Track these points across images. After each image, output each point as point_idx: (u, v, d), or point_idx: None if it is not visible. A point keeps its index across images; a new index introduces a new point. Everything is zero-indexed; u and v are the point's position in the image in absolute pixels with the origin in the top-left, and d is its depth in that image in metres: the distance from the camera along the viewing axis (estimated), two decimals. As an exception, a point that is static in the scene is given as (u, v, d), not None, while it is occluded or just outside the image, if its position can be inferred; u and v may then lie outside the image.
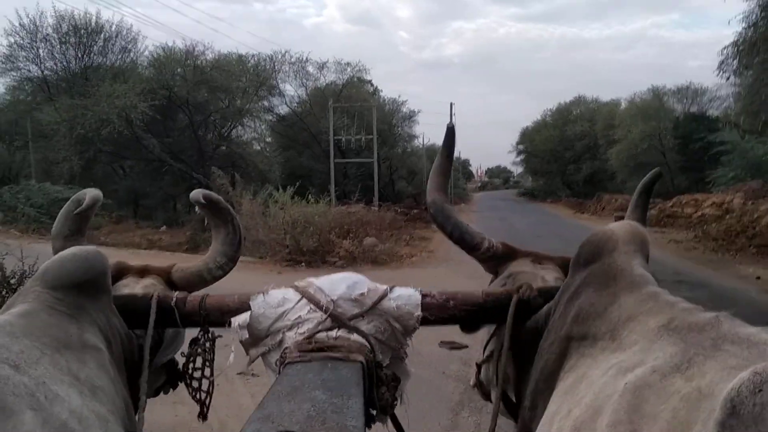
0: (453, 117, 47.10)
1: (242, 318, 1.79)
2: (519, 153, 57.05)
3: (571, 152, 45.94)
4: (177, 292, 1.89)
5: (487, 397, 2.13)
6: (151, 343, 1.72)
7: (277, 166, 29.24)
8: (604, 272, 1.42)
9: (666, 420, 0.94)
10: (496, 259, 2.00)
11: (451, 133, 2.14)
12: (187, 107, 25.78)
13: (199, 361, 1.94)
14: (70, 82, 28.06)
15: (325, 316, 1.75)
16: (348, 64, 34.47)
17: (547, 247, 2.02)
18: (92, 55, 28.98)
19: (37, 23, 27.82)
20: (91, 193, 1.99)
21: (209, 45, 31.52)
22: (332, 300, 1.78)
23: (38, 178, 26.84)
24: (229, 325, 1.80)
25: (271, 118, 34.01)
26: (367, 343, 1.73)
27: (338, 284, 1.83)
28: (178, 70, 25.49)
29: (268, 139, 35.09)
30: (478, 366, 2.10)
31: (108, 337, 1.55)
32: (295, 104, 35.05)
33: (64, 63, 28.82)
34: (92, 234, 22.15)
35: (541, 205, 41.72)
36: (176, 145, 26.79)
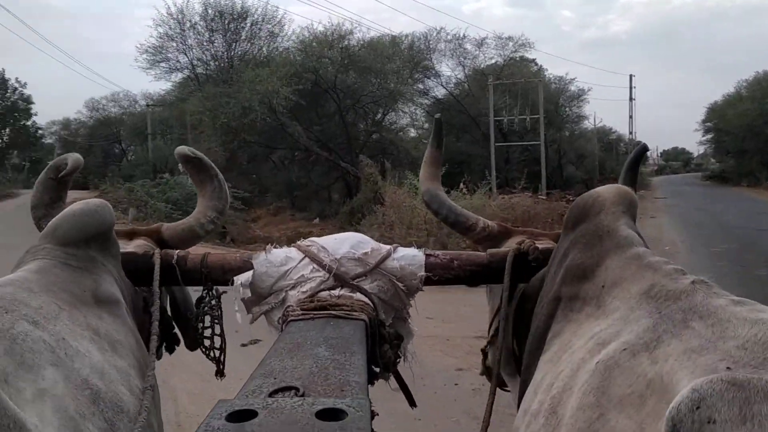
0: (633, 90, 42.04)
1: (245, 276, 1.81)
2: (706, 131, 50.57)
3: (775, 127, 39.46)
4: (178, 250, 1.90)
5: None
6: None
7: (432, 152, 27.02)
8: (591, 232, 1.45)
9: (633, 406, 0.98)
10: (491, 239, 2.02)
11: (439, 123, 2.25)
12: (335, 91, 24.12)
13: (207, 320, 1.95)
14: (218, 70, 27.73)
15: (328, 276, 1.78)
16: (510, 38, 31.48)
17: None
18: (239, 41, 28.45)
19: (185, 11, 27.79)
20: (72, 158, 1.93)
21: (356, 23, 30.29)
22: (336, 259, 1.80)
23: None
24: (232, 283, 1.83)
25: (426, 101, 31.94)
26: (369, 302, 1.75)
27: (342, 243, 1.86)
28: (327, 51, 23.86)
29: (426, 126, 33.18)
30: (484, 352, 2.11)
31: (121, 287, 1.57)
32: (452, 85, 32.85)
33: (212, 51, 28.51)
34: (249, 226, 21.56)
35: (737, 190, 35.91)
36: (325, 133, 25.40)
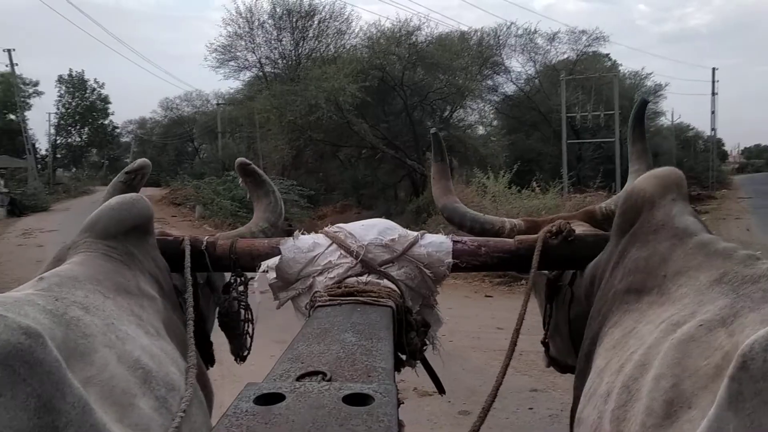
0: (716, 84, 39.84)
1: (272, 262, 1.83)
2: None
3: None
4: (207, 236, 1.96)
5: (564, 369, 2.13)
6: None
7: (501, 150, 26.37)
8: (645, 231, 1.45)
9: (708, 376, 0.97)
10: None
11: (437, 138, 2.24)
12: (402, 88, 23.76)
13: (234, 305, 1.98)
14: (285, 68, 27.85)
15: (355, 262, 1.79)
16: (583, 32, 30.44)
17: None
18: (307, 39, 28.47)
19: (253, 10, 27.99)
20: (139, 162, 2.03)
21: (424, 20, 29.89)
22: (363, 245, 1.81)
23: (267, 169, 26.81)
24: (260, 268, 1.86)
25: (495, 98, 31.28)
26: (397, 289, 1.74)
27: (369, 230, 1.87)
28: (394, 47, 23.53)
29: (494, 123, 32.49)
30: (545, 344, 2.14)
31: (159, 280, 1.62)
32: (522, 81, 32.13)
33: (280, 49, 28.65)
34: (315, 224, 21.52)
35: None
36: (391, 131, 25.12)
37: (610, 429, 1.16)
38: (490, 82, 30.02)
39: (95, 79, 48.16)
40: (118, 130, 51.93)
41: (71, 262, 1.43)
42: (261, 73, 29.54)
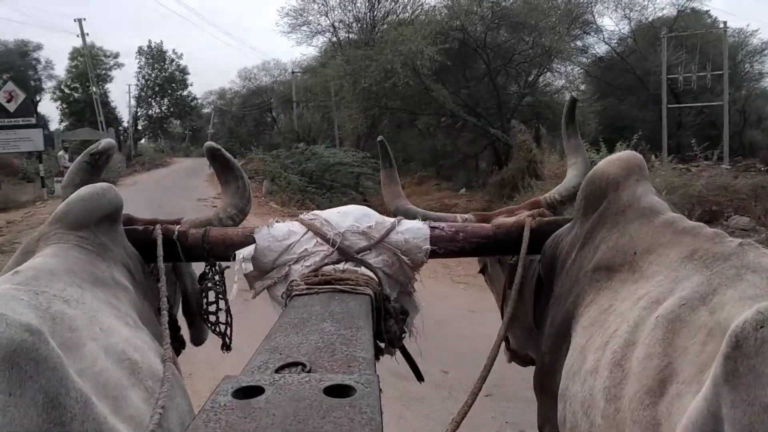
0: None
1: (247, 251, 1.81)
2: None
3: None
4: (179, 226, 1.92)
5: (525, 362, 2.19)
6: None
7: (592, 116, 24.55)
8: (612, 212, 1.49)
9: (695, 353, 1.03)
10: None
11: (383, 145, 2.27)
12: (484, 51, 22.24)
13: (212, 296, 1.96)
14: (360, 31, 26.86)
15: (332, 250, 1.78)
16: (686, -16, 27.90)
17: None
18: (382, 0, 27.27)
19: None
20: (104, 142, 1.97)
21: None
22: (339, 233, 1.80)
23: (342, 140, 26.20)
24: (234, 258, 1.83)
25: (585, 59, 29.37)
26: (374, 277, 1.73)
27: (345, 217, 1.86)
28: (476, 7, 22.02)
29: (582, 87, 30.55)
30: (506, 339, 2.12)
31: (130, 269, 1.62)
32: (615, 41, 30.24)
33: (354, 12, 27.77)
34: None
35: None
36: (473, 97, 23.73)
37: (605, 405, 1.18)
38: (579, 43, 28.30)
39: (173, 50, 48.59)
40: (198, 101, 52.39)
41: (44, 254, 1.41)
42: (335, 38, 28.77)
